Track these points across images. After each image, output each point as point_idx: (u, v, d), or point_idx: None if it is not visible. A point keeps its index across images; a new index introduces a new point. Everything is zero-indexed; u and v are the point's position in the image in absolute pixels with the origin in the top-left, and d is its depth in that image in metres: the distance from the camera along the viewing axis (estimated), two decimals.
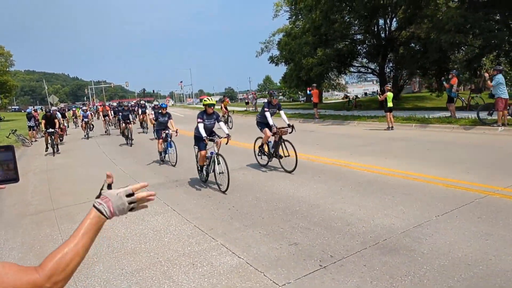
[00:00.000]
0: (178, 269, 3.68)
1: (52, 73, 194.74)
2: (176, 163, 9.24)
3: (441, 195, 5.33)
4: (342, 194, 5.78)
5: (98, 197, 1.15)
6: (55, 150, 13.17)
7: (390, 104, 13.36)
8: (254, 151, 8.58)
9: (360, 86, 64.17)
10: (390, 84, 15.57)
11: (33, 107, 22.45)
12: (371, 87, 62.92)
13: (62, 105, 18.50)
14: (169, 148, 9.57)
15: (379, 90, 24.30)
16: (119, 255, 4.14)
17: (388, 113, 13.33)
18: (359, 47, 27.41)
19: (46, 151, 13.46)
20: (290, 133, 7.67)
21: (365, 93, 60.23)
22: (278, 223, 4.76)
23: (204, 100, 7.16)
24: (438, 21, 16.66)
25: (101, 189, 1.18)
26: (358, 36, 27.42)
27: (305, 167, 7.80)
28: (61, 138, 16.41)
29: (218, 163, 6.48)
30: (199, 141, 6.92)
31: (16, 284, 0.91)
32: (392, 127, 13.30)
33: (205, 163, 7.03)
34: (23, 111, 70.03)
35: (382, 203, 5.21)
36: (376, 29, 24.95)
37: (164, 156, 9.78)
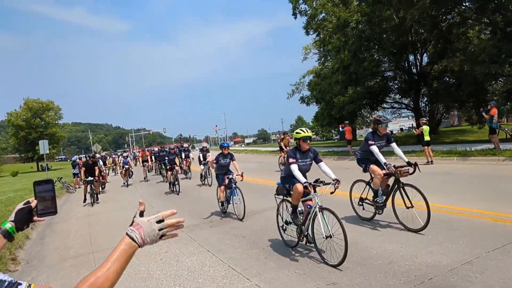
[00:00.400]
0: None
1: (97, 123, 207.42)
2: (244, 216, 7.42)
3: (490, 230, 4.96)
4: (382, 232, 5.52)
5: (131, 224, 1.20)
6: (94, 200, 12.31)
7: (427, 138, 12.96)
8: (351, 200, 6.58)
9: (395, 122, 62.74)
10: (425, 118, 15.18)
11: (78, 156, 23.75)
12: (407, 122, 61.43)
13: (103, 153, 18.79)
14: (234, 197, 7.74)
15: (414, 125, 23.69)
16: None
17: (426, 147, 12.90)
18: (390, 84, 27.28)
19: (84, 202, 12.47)
20: (411, 173, 5.66)
21: (401, 129, 58.84)
22: (314, 263, 4.58)
23: (297, 133, 5.11)
24: (471, 53, 16.39)
25: (134, 216, 1.23)
26: (389, 73, 27.40)
27: (340, 205, 7.56)
28: (102, 186, 16.08)
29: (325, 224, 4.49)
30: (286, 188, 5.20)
31: None
32: (431, 161, 12.79)
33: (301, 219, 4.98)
34: (69, 160, 74.34)
35: (425, 239, 4.91)
36: (406, 65, 24.86)
37: (227, 207, 8.17)
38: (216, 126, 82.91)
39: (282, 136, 17.18)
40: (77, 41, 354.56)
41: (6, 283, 0.96)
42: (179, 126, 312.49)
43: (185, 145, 24.52)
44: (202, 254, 5.46)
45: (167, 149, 17.65)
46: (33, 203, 1.43)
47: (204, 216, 8.23)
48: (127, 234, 1.16)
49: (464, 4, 17.72)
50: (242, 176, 7.75)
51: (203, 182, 14.05)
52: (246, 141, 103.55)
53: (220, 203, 8.19)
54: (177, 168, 12.94)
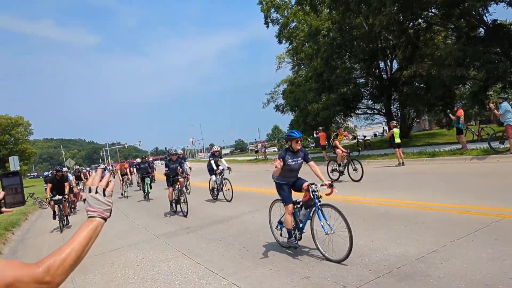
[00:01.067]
0: None
1: (69, 139, 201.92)
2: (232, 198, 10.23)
3: (456, 221, 5.20)
4: (353, 228, 5.64)
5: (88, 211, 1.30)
6: (64, 224, 10.00)
7: (397, 140, 13.38)
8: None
9: (369, 129, 64.29)
10: (395, 121, 15.69)
11: (50, 171, 23.03)
12: (380, 128, 63.13)
13: (76, 167, 16.87)
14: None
15: (386, 129, 24.46)
16: None
17: (397, 149, 13.31)
18: (362, 90, 28.06)
19: (53, 218, 10.06)
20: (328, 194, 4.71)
21: (375, 135, 60.22)
22: (289, 259, 4.67)
23: (288, 135, 5.07)
24: (438, 58, 17.15)
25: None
26: (361, 79, 28.20)
27: None
28: (73, 206, 13.51)
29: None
30: (281, 188, 5.13)
31: (18, 276, 1.00)
32: (403, 162, 13.20)
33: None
34: (41, 177, 71.89)
35: (395, 233, 5.09)
36: (377, 71, 25.68)
37: (217, 195, 10.89)
38: (193, 137, 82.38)
39: (336, 133, 13.51)
40: (45, 55, 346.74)
41: None
42: (155, 139, 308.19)
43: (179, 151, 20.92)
44: (179, 259, 5.44)
45: (150, 160, 17.37)
46: (1, 194, 1.41)
47: (181, 224, 8.19)
48: (91, 217, 1.26)
49: (430, 11, 18.56)
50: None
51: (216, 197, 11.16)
52: (224, 151, 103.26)
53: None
54: (181, 180, 9.86)
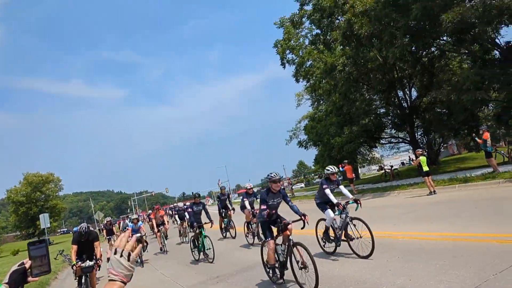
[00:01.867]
0: None
1: (98, 191, 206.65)
2: None
3: (496, 252, 5.00)
4: (389, 266, 5.52)
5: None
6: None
7: (425, 168, 13.10)
8: (317, 238, 7.44)
9: (396, 157, 62.89)
10: (421, 149, 15.43)
11: (80, 226, 23.45)
12: (407, 156, 61.65)
13: (108, 218, 15.67)
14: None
15: (413, 157, 23.93)
16: None
17: (427, 177, 12.99)
18: (384, 120, 27.90)
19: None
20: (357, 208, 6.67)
21: (402, 163, 58.83)
22: None
23: (270, 177, 5.97)
24: (456, 83, 17.05)
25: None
26: (381, 110, 28.14)
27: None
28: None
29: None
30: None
31: None
32: (434, 191, 12.81)
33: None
34: (70, 232, 72.88)
35: (434, 269, 4.93)
36: (397, 100, 25.63)
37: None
38: (220, 180, 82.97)
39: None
40: (75, 112, 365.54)
41: None
42: (181, 184, 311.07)
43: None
44: None
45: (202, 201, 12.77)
46: (28, 264, 1.50)
47: (209, 272, 8.13)
48: (113, 280, 1.29)
49: (442, 39, 18.75)
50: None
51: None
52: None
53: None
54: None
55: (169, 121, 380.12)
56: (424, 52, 20.42)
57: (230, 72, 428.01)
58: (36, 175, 49.12)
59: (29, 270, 1.47)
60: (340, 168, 20.76)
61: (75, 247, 7.61)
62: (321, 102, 35.03)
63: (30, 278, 1.47)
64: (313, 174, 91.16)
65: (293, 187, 32.11)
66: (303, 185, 74.15)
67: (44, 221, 25.64)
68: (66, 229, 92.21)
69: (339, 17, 23.40)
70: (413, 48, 18.68)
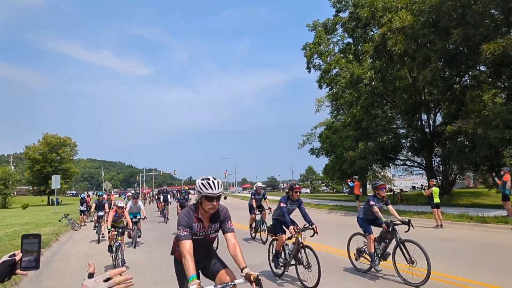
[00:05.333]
0: None
1: (110, 161, 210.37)
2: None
3: None
4: None
5: None
6: (100, 237, 12.47)
7: (436, 200, 12.66)
8: (349, 254, 7.24)
9: (408, 179, 61.71)
10: (437, 179, 14.97)
11: (87, 193, 23.94)
12: (420, 180, 60.33)
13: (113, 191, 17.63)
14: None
15: (425, 185, 23.33)
16: None
17: (436, 210, 12.55)
18: (402, 141, 27.30)
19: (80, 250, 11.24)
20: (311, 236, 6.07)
21: (413, 187, 57.62)
22: None
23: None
24: (485, 117, 16.45)
25: (83, 279, 1.27)
26: (402, 130, 27.53)
27: (340, 265, 7.33)
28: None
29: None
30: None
31: None
32: (441, 225, 12.38)
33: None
34: (79, 195, 74.48)
35: None
36: (419, 124, 25.01)
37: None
38: (226, 171, 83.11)
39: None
40: (100, 81, 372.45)
41: None
42: (189, 168, 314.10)
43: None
44: None
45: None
46: (18, 256, 1.49)
47: None
48: None
49: (478, 68, 18.10)
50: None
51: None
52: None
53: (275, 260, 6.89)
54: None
55: (187, 105, 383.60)
56: (457, 79, 19.77)
57: (254, 67, 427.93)
58: (55, 136, 50.17)
59: (19, 262, 1.48)
60: (350, 183, 20.38)
61: (94, 205, 13.50)
62: (341, 112, 34.53)
63: (18, 271, 1.48)
64: (320, 182, 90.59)
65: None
66: (308, 190, 73.75)
67: (56, 182, 26.25)
68: (75, 191, 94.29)
69: (374, 30, 22.93)
70: (447, 73, 18.10)
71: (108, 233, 8.80)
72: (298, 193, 6.75)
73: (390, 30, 17.87)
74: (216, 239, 8.87)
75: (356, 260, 6.95)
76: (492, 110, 16.26)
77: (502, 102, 18.86)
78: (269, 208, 10.67)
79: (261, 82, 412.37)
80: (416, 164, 29.45)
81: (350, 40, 27.13)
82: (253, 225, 11.30)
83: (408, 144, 27.33)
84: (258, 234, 11.10)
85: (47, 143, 48.85)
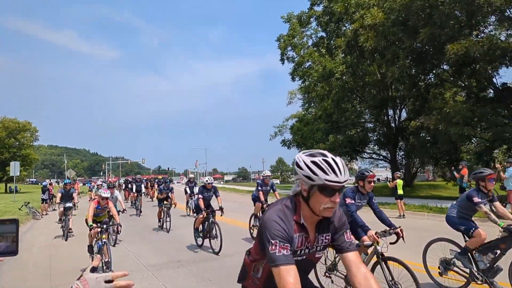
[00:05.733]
0: None
1: (74, 148, 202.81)
2: (220, 250, 7.77)
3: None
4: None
5: (78, 278, 1.18)
6: (67, 232, 10.61)
7: (400, 192, 13.26)
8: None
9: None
10: (400, 172, 15.63)
11: (49, 180, 23.00)
12: (384, 173, 62.68)
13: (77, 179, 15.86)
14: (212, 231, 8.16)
15: (389, 177, 24.30)
16: None
17: (399, 201, 13.17)
18: (370, 135, 28.20)
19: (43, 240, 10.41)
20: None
21: (378, 179, 59.83)
22: None
23: None
24: (446, 114, 17.31)
25: (84, 270, 1.22)
26: (369, 124, 28.41)
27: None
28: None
29: None
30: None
31: None
32: (403, 215, 13.01)
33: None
34: (39, 183, 71.49)
35: None
36: (386, 118, 25.91)
37: (203, 241, 8.58)
38: (197, 160, 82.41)
39: None
40: (63, 63, 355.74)
41: None
42: (158, 158, 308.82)
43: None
44: None
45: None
46: None
47: (173, 255, 8.01)
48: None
49: (442, 67, 18.93)
50: (222, 210, 8.44)
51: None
52: (226, 178, 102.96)
53: (195, 233, 8.78)
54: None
55: (157, 92, 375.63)
56: (423, 77, 20.62)
57: (228, 55, 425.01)
58: (14, 121, 47.62)
59: None
60: None
61: (59, 195, 11.33)
62: (312, 105, 35.06)
63: None
64: (289, 173, 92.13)
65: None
66: (278, 181, 74.82)
67: (15, 169, 25.01)
68: (35, 179, 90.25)
69: (346, 25, 23.34)
70: (413, 71, 18.82)
71: (90, 230, 7.02)
72: (371, 184, 4.87)
73: (362, 27, 18.30)
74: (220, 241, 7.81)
75: (441, 275, 5.32)
76: (453, 107, 17.14)
77: (462, 100, 19.92)
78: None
79: (234, 72, 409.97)
80: (381, 157, 30.55)
81: (324, 34, 27.49)
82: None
83: (375, 138, 28.27)
84: None
85: (4, 128, 46.24)
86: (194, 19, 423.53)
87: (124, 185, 25.66)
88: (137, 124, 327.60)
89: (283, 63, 29.80)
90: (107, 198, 7.35)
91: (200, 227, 8.63)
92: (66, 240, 10.38)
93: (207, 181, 9.03)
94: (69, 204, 11.14)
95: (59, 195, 11.71)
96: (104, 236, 6.69)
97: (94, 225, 6.98)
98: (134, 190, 17.88)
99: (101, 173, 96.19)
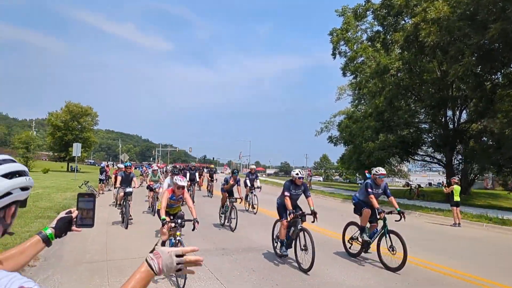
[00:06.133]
0: None
1: (127, 133, 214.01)
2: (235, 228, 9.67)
3: None
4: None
5: (151, 251, 1.25)
6: (127, 219, 9.85)
7: (457, 198, 12.43)
8: (344, 240, 7.48)
9: (424, 175, 60.75)
10: (457, 177, 14.65)
11: (107, 162, 24.46)
12: (436, 177, 59.28)
13: (104, 163, 15.31)
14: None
15: (444, 182, 22.91)
16: None
17: (455, 208, 12.35)
18: (424, 136, 26.75)
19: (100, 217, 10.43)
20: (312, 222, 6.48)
21: (430, 183, 56.78)
22: None
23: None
24: None
25: (156, 244, 1.27)
26: (424, 125, 26.94)
27: (376, 262, 7.38)
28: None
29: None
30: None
31: None
32: (459, 223, 12.20)
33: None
34: (97, 165, 76.53)
35: None
36: (443, 120, 24.40)
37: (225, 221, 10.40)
38: (241, 152, 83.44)
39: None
40: (122, 53, 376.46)
41: None
42: (204, 147, 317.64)
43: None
44: (211, 281, 5.40)
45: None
46: (74, 213, 1.54)
47: (218, 243, 8.18)
48: (146, 261, 1.19)
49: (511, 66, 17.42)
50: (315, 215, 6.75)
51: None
52: (268, 171, 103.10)
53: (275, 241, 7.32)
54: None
55: (206, 84, 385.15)
56: (489, 76, 19.07)
57: (276, 49, 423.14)
58: (77, 105, 51.27)
59: (75, 220, 1.53)
60: (367, 175, 20.15)
61: (119, 178, 10.77)
62: (363, 102, 33.95)
63: (73, 228, 1.53)
64: (333, 171, 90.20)
65: (311, 179, 31.75)
66: (321, 178, 73.66)
67: (77, 150, 27.02)
68: (93, 160, 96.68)
69: (406, 19, 22.17)
70: (479, 69, 17.47)
71: (162, 226, 5.85)
72: (301, 180, 6.97)
73: (424, 20, 17.22)
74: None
75: (351, 245, 7.37)
76: None
77: None
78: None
79: (281, 65, 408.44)
80: (435, 160, 28.90)
81: (380, 28, 26.34)
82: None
83: (429, 139, 26.77)
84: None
85: (69, 111, 49.94)
86: (243, 13, 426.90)
87: (171, 172, 25.85)
88: (186, 114, 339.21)
89: (334, 58, 29.11)
90: (183, 187, 6.08)
91: (283, 232, 6.81)
92: (126, 228, 9.70)
93: (297, 174, 6.97)
94: (129, 189, 10.29)
95: (119, 178, 10.92)
96: (178, 233, 5.58)
97: (168, 219, 5.99)
98: (187, 178, 16.16)
99: (151, 159, 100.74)
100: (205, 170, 23.92)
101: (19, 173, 1.15)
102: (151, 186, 12.66)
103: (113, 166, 30.58)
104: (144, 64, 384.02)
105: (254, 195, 13.35)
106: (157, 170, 12.91)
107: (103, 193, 19.28)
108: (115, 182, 12.64)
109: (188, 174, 17.16)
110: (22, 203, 1.20)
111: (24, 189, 1.16)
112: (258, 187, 13.45)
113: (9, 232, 1.20)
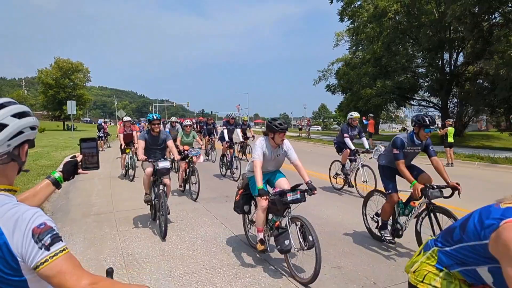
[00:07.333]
0: (222, 278, 3.86)
1: (122, 90, 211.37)
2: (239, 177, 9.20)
3: None
4: None
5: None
6: (166, 226, 7.34)
7: (450, 140, 12.74)
8: (330, 176, 8.64)
9: None
10: (452, 119, 14.84)
11: (104, 120, 24.48)
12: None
13: (127, 118, 13.74)
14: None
15: (439, 125, 23.20)
16: (168, 258, 4.43)
17: (448, 149, 12.71)
18: (421, 80, 26.64)
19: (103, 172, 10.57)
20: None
21: None
22: (323, 247, 4.76)
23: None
24: (509, 58, 15.78)
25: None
26: (421, 69, 26.71)
27: (355, 194, 7.74)
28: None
29: None
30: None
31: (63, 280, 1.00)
32: (452, 163, 12.62)
33: None
34: (93, 123, 76.23)
35: None
36: (440, 63, 24.15)
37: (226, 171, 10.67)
38: (239, 105, 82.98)
39: None
40: (111, 5, 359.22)
41: (54, 233, 1.04)
42: (201, 101, 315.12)
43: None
44: (216, 226, 5.73)
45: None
46: (79, 157, 1.61)
47: (221, 191, 8.50)
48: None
49: (510, 5, 16.93)
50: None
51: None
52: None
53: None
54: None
55: (201, 35, 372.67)
56: (486, 17, 18.59)
57: None
58: (67, 61, 49.80)
59: (80, 164, 1.60)
60: (364, 121, 20.31)
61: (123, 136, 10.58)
62: (360, 48, 33.24)
63: (80, 170, 1.61)
64: (332, 120, 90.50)
65: (310, 129, 31.93)
66: (319, 128, 74.10)
67: (71, 107, 26.76)
68: (89, 119, 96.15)
69: None
70: (476, 9, 16.99)
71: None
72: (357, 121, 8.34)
73: None
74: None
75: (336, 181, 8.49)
76: None
77: None
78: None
79: (278, 12, 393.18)
80: (431, 105, 29.04)
81: None
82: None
83: (426, 84, 26.69)
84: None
85: (59, 68, 48.66)
86: None
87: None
88: (180, 67, 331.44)
89: (331, 2, 28.01)
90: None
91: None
92: (132, 180, 10.13)
93: (351, 115, 8.32)
94: (164, 164, 6.83)
95: (141, 143, 7.13)
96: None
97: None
98: (205, 134, 15.01)
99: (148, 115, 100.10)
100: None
101: (26, 113, 1.20)
102: (186, 152, 7.92)
103: (110, 124, 30.39)
104: (135, 15, 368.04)
105: (248, 144, 13.49)
106: (190, 126, 9.26)
107: (102, 150, 19.48)
108: (125, 145, 10.59)
109: (205, 128, 15.43)
110: (31, 143, 1.27)
111: (32, 128, 1.23)
112: (252, 137, 13.39)
113: (25, 170, 1.31)
